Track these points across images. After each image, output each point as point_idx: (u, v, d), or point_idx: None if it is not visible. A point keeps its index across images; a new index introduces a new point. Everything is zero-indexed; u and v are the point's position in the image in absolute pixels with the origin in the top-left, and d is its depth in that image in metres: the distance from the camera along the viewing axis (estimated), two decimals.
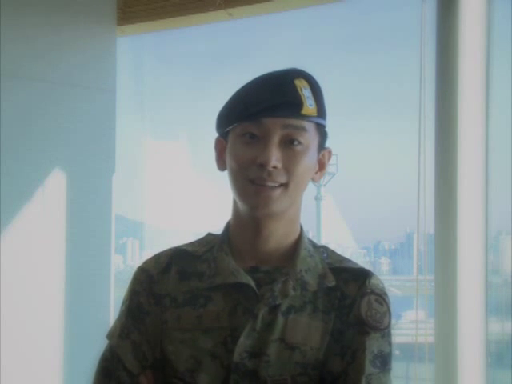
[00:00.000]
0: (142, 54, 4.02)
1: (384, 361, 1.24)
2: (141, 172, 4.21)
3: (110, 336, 1.32)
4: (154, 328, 1.28)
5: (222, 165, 1.31)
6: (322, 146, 1.30)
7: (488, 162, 2.57)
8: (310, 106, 1.24)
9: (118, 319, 1.33)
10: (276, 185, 1.22)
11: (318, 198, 6.57)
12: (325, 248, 1.34)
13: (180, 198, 4.59)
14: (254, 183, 1.22)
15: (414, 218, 2.86)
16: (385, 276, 7.16)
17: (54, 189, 3.09)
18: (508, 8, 2.69)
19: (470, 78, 2.58)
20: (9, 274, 2.90)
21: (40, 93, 3.08)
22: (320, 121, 1.27)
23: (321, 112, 1.27)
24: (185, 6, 3.17)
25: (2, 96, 2.92)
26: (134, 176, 4.14)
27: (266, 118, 1.22)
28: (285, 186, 1.23)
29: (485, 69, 2.57)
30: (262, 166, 1.21)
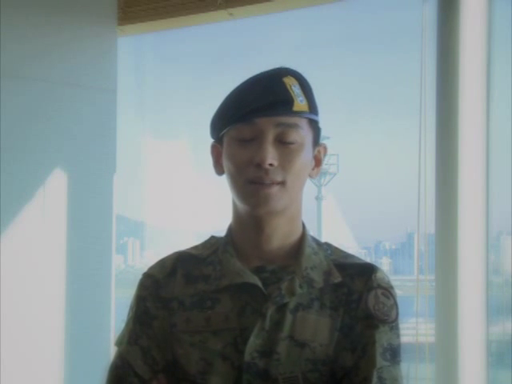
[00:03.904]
0: (142, 53, 4.02)
1: (394, 353, 1.25)
2: (141, 172, 4.21)
3: (118, 343, 1.32)
4: (163, 331, 1.28)
5: (219, 170, 1.32)
6: (316, 142, 1.31)
7: (489, 162, 2.57)
8: (300, 103, 1.25)
9: (126, 326, 1.33)
10: (274, 183, 1.23)
11: (318, 198, 6.56)
12: (328, 245, 1.35)
13: (180, 197, 4.59)
14: (252, 183, 1.23)
15: (415, 218, 2.86)
16: None
17: (54, 189, 3.09)
18: (508, 8, 2.69)
19: (471, 78, 2.58)
20: (9, 274, 2.90)
21: (40, 93, 3.07)
22: (312, 116, 1.28)
23: (312, 108, 1.28)
24: (185, 6, 3.17)
25: (2, 96, 2.92)
26: (135, 176, 4.14)
27: (259, 118, 1.23)
28: (282, 183, 1.24)
29: (485, 69, 2.57)
30: (259, 165, 1.22)
